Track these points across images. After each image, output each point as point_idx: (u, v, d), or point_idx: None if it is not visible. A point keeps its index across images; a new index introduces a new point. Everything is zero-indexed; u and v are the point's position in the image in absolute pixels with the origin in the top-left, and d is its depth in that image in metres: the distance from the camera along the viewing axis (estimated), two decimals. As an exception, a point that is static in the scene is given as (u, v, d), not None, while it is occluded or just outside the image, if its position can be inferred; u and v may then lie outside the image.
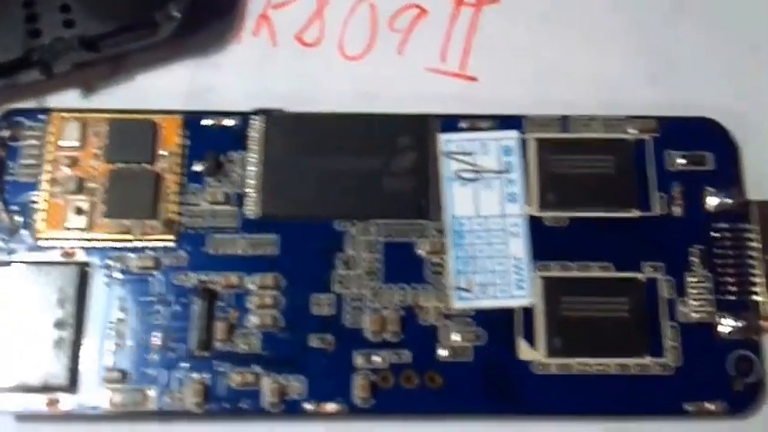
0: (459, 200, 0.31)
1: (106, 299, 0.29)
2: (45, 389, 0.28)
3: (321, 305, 0.29)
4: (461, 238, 0.30)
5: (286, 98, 0.32)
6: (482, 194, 0.31)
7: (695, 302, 0.30)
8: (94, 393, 0.29)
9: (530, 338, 0.29)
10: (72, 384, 0.28)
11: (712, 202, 0.31)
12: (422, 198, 0.30)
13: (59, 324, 0.29)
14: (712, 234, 0.31)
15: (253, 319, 0.29)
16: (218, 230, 0.30)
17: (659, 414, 0.29)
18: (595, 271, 0.30)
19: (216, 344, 0.29)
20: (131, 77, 0.33)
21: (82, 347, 0.29)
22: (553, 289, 0.30)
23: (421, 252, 0.30)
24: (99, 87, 0.33)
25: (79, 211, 0.30)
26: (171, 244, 0.30)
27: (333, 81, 0.33)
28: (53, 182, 0.30)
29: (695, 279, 0.30)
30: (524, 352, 0.29)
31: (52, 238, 0.30)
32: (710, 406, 0.29)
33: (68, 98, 0.32)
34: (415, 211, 0.30)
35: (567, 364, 0.29)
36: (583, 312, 0.29)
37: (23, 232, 0.30)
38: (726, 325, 0.30)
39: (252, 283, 0.29)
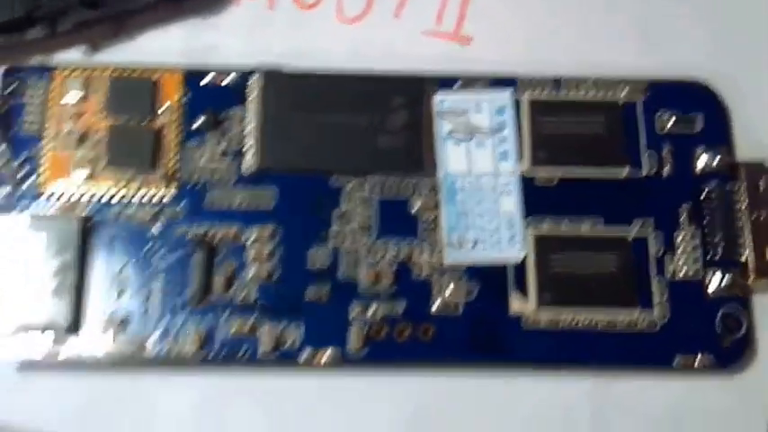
0: (452, 158, 0.31)
1: (107, 249, 0.30)
2: (46, 334, 0.29)
3: (317, 258, 0.30)
4: (454, 195, 0.31)
5: (283, 58, 0.32)
6: (475, 153, 0.31)
7: (683, 259, 0.30)
8: (95, 340, 0.29)
9: (521, 293, 0.30)
10: (73, 330, 0.29)
11: (701, 162, 0.31)
12: (415, 155, 0.31)
13: (61, 271, 0.29)
14: (701, 194, 0.31)
15: (250, 271, 0.30)
16: (216, 184, 0.30)
17: (647, 366, 0.30)
18: (585, 228, 0.30)
19: (214, 294, 0.29)
20: (132, 37, 0.33)
21: (83, 295, 0.29)
22: (543, 245, 0.30)
23: (414, 208, 0.31)
24: (101, 47, 0.33)
25: (81, 164, 0.31)
26: (170, 197, 0.30)
27: (330, 42, 0.33)
28: (56, 136, 0.31)
29: (684, 237, 0.31)
30: (515, 305, 0.30)
31: (55, 190, 0.30)
32: (698, 360, 0.30)
33: (71, 56, 0.33)
34: (408, 166, 0.31)
35: (556, 319, 0.30)
36: (573, 268, 0.30)
37: (27, 184, 0.30)
38: (714, 282, 0.30)
39: (249, 235, 0.30)
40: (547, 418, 0.30)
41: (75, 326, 0.29)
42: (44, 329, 0.29)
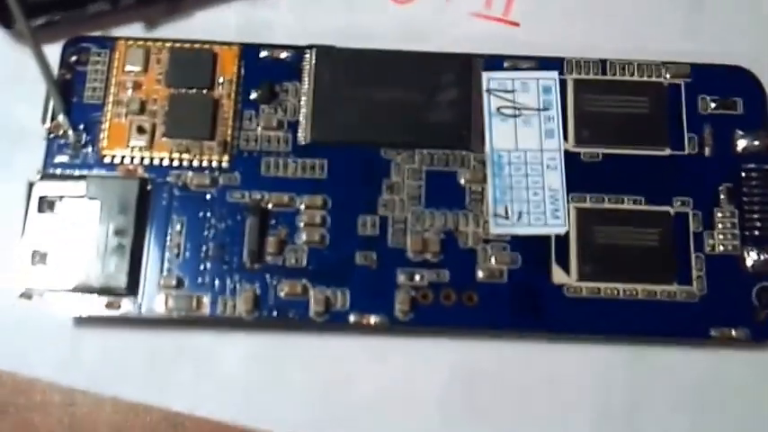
0: (499, 134, 0.32)
1: (164, 212, 0.31)
2: (104, 292, 0.30)
3: (366, 225, 0.31)
4: (501, 169, 0.32)
5: (336, 36, 0.33)
6: (521, 130, 0.32)
7: (722, 236, 0.31)
8: (151, 298, 0.30)
9: (562, 264, 0.31)
10: (130, 288, 0.30)
11: (741, 143, 0.32)
12: (464, 130, 0.32)
13: (120, 232, 0.30)
14: (740, 174, 0.32)
15: (302, 236, 0.31)
16: (270, 154, 0.32)
17: (683, 338, 0.30)
18: (627, 204, 0.31)
19: (267, 257, 0.31)
20: (188, 15, 0.34)
21: (141, 256, 0.30)
22: (586, 218, 0.31)
23: (462, 181, 0.32)
24: (159, 23, 0.34)
25: (141, 131, 0.32)
26: (226, 164, 0.31)
27: (381, 22, 0.34)
28: (117, 103, 0.32)
29: (723, 214, 0.32)
30: (557, 275, 0.31)
31: (115, 155, 0.32)
32: (733, 333, 0.30)
33: (131, 31, 0.34)
34: (456, 141, 0.32)
35: (596, 288, 0.31)
36: (614, 241, 0.31)
37: (89, 149, 0.32)
38: (750, 258, 0.31)
39: (302, 202, 0.31)
40: (583, 386, 0.31)
41: (131, 287, 0.30)
42: (102, 289, 0.30)
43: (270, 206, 0.31)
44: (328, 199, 0.31)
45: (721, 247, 0.31)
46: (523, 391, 0.31)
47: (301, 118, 0.32)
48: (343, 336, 0.31)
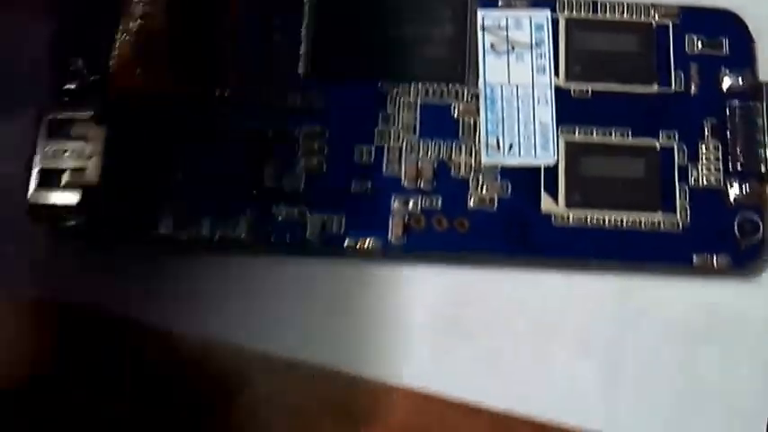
0: (492, 69, 0.33)
1: (166, 139, 0.32)
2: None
3: (362, 153, 0.32)
4: (493, 103, 0.33)
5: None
6: (514, 66, 0.33)
7: (706, 169, 0.32)
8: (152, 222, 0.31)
9: (551, 193, 0.32)
10: (134, 211, 0.31)
11: (726, 82, 0.33)
12: (458, 65, 0.33)
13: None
14: (725, 111, 0.33)
15: (300, 164, 0.32)
16: (270, 84, 0.33)
17: (668, 265, 0.32)
18: (615, 137, 0.33)
19: (265, 184, 0.32)
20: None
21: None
22: (574, 150, 0.33)
23: (456, 113, 0.33)
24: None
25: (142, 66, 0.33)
26: (226, 93, 0.33)
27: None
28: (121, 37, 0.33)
29: (707, 148, 0.33)
30: (546, 204, 0.32)
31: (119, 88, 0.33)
32: (716, 260, 0.32)
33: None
34: (451, 76, 0.33)
35: (583, 217, 0.32)
36: (601, 171, 0.32)
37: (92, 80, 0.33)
38: (734, 190, 0.32)
39: (300, 131, 0.32)
40: (568, 313, 0.32)
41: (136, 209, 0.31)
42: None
43: (269, 135, 0.32)
44: (326, 129, 0.32)
45: (705, 180, 0.32)
46: (510, 318, 0.32)
47: (302, 50, 0.33)
48: (338, 259, 0.32)
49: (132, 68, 0.33)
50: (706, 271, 0.32)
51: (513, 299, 0.32)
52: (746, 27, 0.34)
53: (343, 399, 0.31)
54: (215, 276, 0.32)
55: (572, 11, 0.34)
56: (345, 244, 0.31)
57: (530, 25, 0.34)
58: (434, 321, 0.32)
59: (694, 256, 0.31)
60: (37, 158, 0.31)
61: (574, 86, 0.33)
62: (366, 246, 0.31)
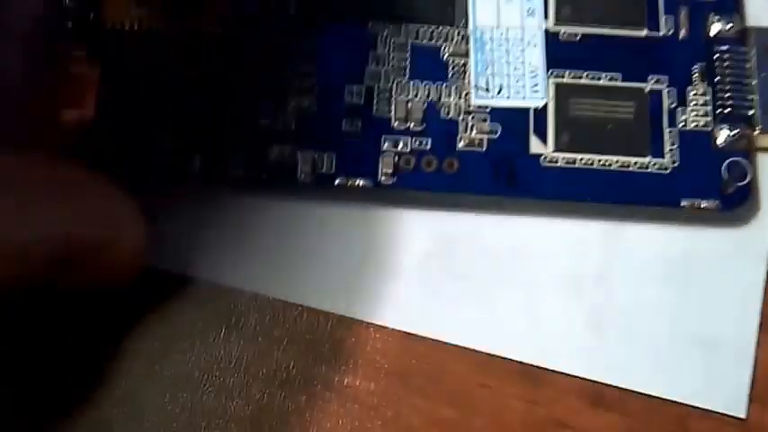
0: (482, 12, 0.33)
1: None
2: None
3: (352, 94, 0.32)
4: (483, 45, 0.33)
5: None
6: (504, 8, 0.34)
7: (695, 113, 0.33)
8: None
9: (540, 135, 0.32)
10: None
11: (715, 27, 0.33)
12: (448, 7, 0.33)
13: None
14: (714, 55, 0.33)
15: (291, 103, 0.32)
16: (261, 25, 0.33)
17: (656, 207, 0.32)
18: (604, 80, 0.33)
19: (257, 123, 0.32)
20: None
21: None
22: (564, 92, 0.33)
23: (445, 55, 0.33)
24: None
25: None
26: (218, 35, 0.33)
27: None
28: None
29: (696, 92, 0.33)
30: (535, 145, 0.32)
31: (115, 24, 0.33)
32: (703, 203, 0.32)
33: None
34: (441, 18, 0.33)
35: (572, 159, 0.32)
36: (590, 113, 0.32)
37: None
38: (722, 134, 0.32)
39: (291, 71, 0.32)
40: (555, 255, 0.32)
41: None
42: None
43: (258, 77, 0.32)
44: (316, 69, 0.32)
45: (693, 124, 0.32)
46: (498, 260, 0.32)
47: (294, -8, 0.33)
48: (329, 201, 0.32)
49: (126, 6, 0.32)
50: (693, 213, 0.32)
51: (501, 241, 0.32)
52: (734, -28, 0.34)
53: (328, 338, 0.31)
54: (206, 214, 0.32)
55: (562, -46, 0.34)
56: (336, 183, 0.31)
57: (520, -32, 0.34)
58: (422, 263, 0.32)
59: (682, 200, 0.31)
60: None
61: (563, 30, 0.33)
62: (356, 184, 0.31)
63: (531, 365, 0.31)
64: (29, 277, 0.25)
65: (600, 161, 0.32)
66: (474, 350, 0.31)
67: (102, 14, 0.33)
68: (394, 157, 0.32)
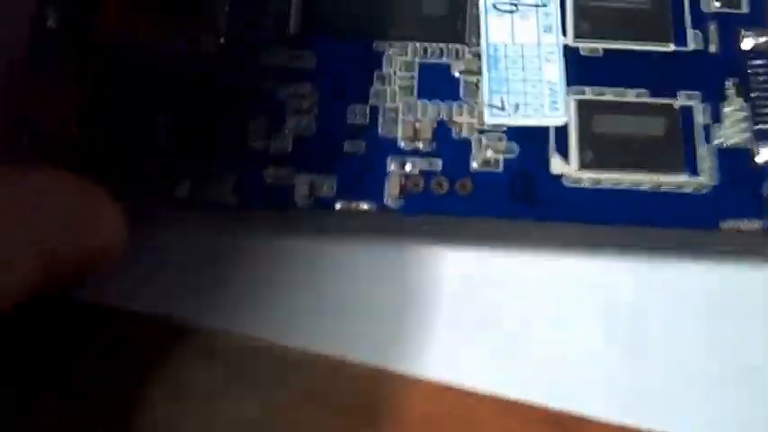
0: (495, 28, 0.31)
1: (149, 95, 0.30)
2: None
3: (356, 114, 0.30)
4: (496, 62, 0.31)
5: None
6: (518, 25, 0.31)
7: (732, 129, 0.30)
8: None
9: (562, 153, 0.29)
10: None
11: (747, 40, 0.31)
12: (459, 24, 0.31)
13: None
14: (747, 69, 0.31)
15: (289, 124, 0.30)
16: (261, 41, 0.30)
17: (691, 228, 0.29)
18: (630, 96, 0.30)
19: (252, 144, 0.29)
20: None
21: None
22: (587, 109, 0.30)
23: (456, 73, 0.30)
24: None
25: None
26: (216, 49, 0.31)
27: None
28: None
29: (731, 108, 0.30)
30: (555, 165, 0.29)
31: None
32: (744, 225, 0.29)
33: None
34: (451, 35, 0.31)
35: (598, 179, 0.29)
36: (617, 129, 0.29)
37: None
38: (762, 151, 0.29)
39: (290, 90, 0.30)
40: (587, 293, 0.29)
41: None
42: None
43: (257, 93, 0.30)
44: (317, 88, 0.30)
45: (731, 141, 0.30)
46: (523, 299, 0.29)
47: (293, 7, 0.31)
48: (330, 221, 0.29)
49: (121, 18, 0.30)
50: (732, 236, 0.28)
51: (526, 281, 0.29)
52: (765, -14, 0.31)
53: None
54: (193, 251, 0.29)
55: (578, -31, 0.31)
56: (336, 207, 0.28)
57: (534, -16, 0.31)
58: (446, 305, 0.29)
59: (720, 222, 0.28)
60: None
61: (583, 45, 0.31)
62: (360, 208, 0.28)
63: (563, 413, 0.28)
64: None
65: (630, 180, 0.29)
66: (507, 399, 0.28)
67: (92, 31, 0.30)
68: (401, 179, 0.29)
